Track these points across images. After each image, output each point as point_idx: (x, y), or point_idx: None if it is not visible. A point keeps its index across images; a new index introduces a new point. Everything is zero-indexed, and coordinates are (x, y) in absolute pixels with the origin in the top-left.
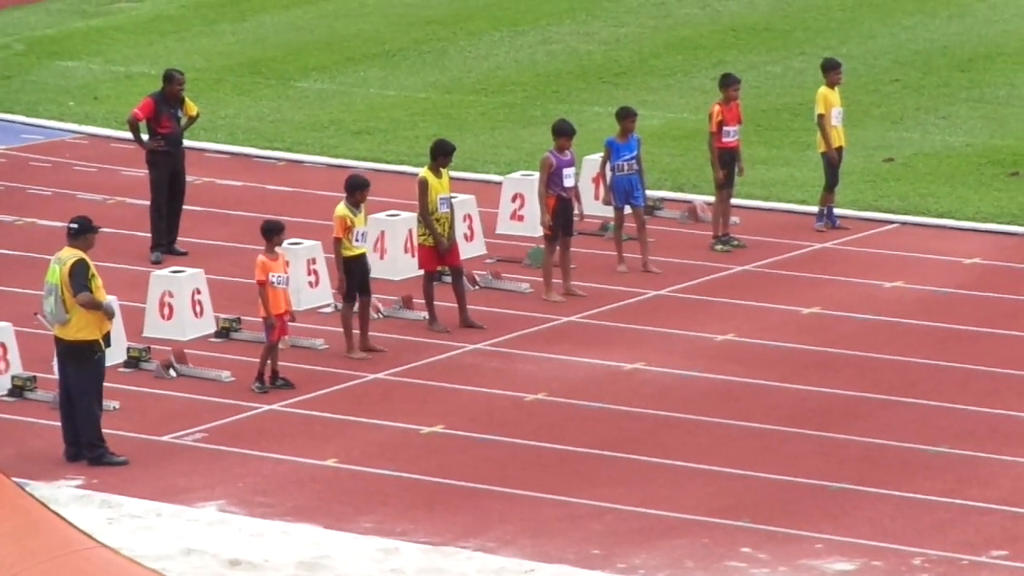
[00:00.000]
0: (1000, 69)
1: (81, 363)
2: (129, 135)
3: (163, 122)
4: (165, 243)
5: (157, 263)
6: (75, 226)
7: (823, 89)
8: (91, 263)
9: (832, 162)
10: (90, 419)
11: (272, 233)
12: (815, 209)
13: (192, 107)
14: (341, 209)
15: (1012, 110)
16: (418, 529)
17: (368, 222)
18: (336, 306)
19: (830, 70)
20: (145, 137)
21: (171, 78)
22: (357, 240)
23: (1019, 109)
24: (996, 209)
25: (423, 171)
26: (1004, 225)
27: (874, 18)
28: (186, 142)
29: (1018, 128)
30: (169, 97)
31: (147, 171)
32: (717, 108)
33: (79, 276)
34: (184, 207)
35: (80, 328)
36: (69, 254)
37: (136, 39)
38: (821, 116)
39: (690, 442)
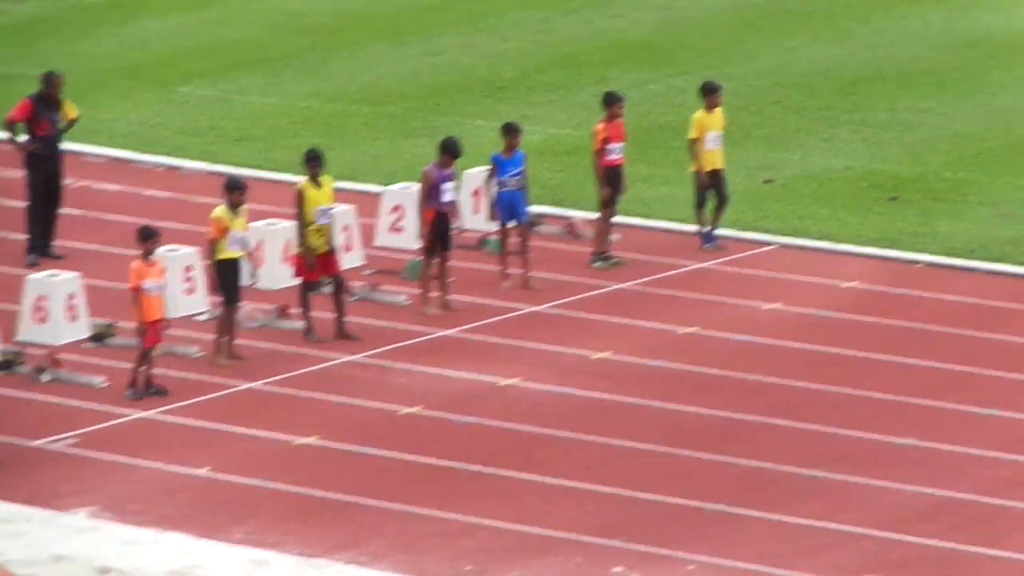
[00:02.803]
0: (882, 93)
1: None
2: (5, 136)
3: (41, 124)
4: (41, 246)
5: (33, 266)
6: None
7: (699, 113)
8: None
9: (701, 184)
10: None
11: (147, 239)
12: (694, 228)
13: (72, 110)
14: (219, 211)
15: (893, 134)
16: (290, 541)
17: (249, 229)
18: (212, 313)
19: (708, 93)
20: (23, 138)
21: (49, 80)
22: (232, 244)
23: (900, 133)
24: (875, 233)
25: (302, 181)
26: (883, 249)
27: (757, 39)
28: (65, 145)
29: (899, 153)
30: (47, 99)
31: (24, 173)
32: (601, 126)
33: None
34: (61, 211)
35: None
36: None
37: (16, 40)
38: (693, 141)
39: (565, 459)
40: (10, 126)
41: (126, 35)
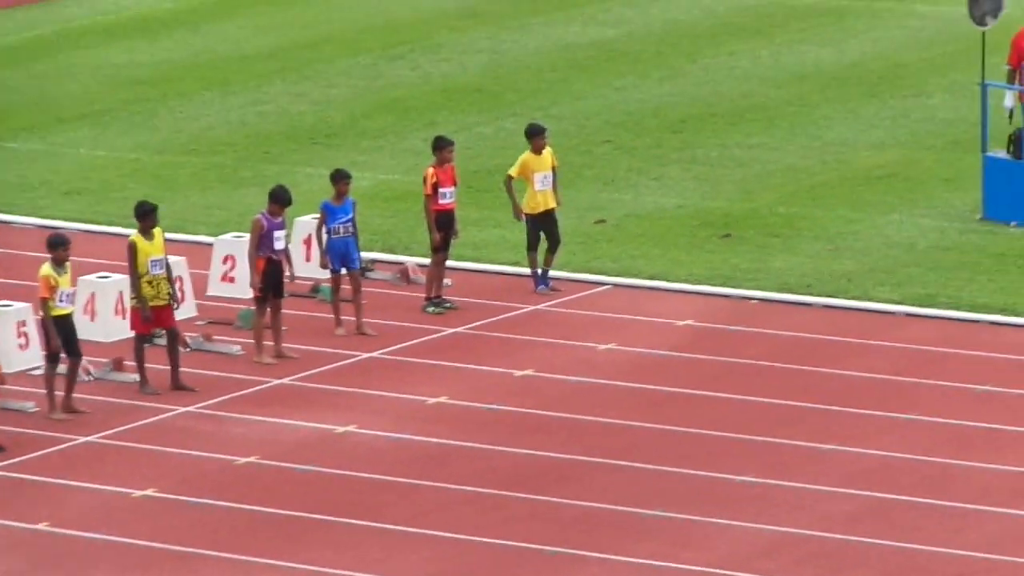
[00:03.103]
0: (712, 130)
1: None
2: None
3: None
4: None
5: None
6: None
7: (526, 155)
8: None
9: (532, 223)
10: None
11: None
12: (528, 271)
13: None
14: (45, 269)
15: (724, 171)
16: None
17: (78, 283)
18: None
19: (533, 136)
20: None
21: None
22: (61, 300)
23: (731, 170)
24: (708, 271)
25: (133, 234)
26: (716, 287)
27: (584, 79)
28: None
29: (730, 189)
30: None
31: None
32: (431, 171)
33: None
34: None
35: None
36: None
37: None
38: (509, 178)
39: (403, 506)
40: None
41: None
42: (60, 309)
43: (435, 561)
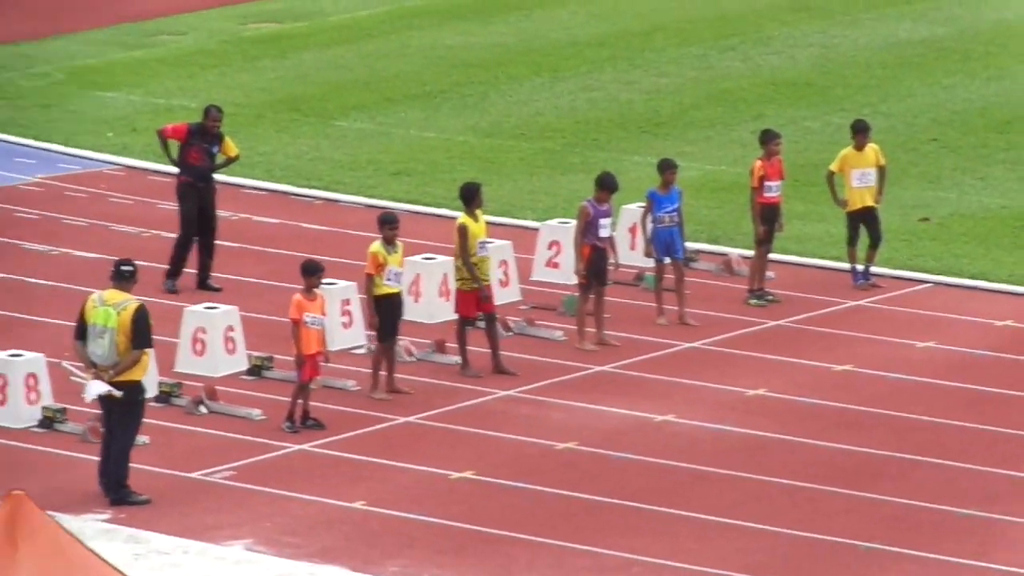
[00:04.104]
0: None
1: (125, 403)
2: (167, 168)
3: (192, 153)
4: (176, 274)
5: (171, 292)
6: (129, 268)
7: (847, 150)
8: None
9: (850, 219)
10: (125, 458)
11: (311, 273)
12: (849, 266)
13: (232, 148)
14: (375, 246)
15: None
16: (445, 574)
17: (405, 264)
18: (369, 348)
19: (857, 132)
20: (175, 165)
21: (207, 113)
22: (389, 279)
23: None
24: None
25: (462, 216)
26: None
27: (914, 77)
28: (223, 177)
29: None
30: (205, 131)
31: (177, 204)
32: (759, 163)
33: (144, 328)
34: (219, 243)
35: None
36: (122, 298)
37: (177, 72)
38: (830, 174)
39: (718, 496)
40: (163, 140)
41: (285, 68)
42: (387, 288)
43: (749, 552)
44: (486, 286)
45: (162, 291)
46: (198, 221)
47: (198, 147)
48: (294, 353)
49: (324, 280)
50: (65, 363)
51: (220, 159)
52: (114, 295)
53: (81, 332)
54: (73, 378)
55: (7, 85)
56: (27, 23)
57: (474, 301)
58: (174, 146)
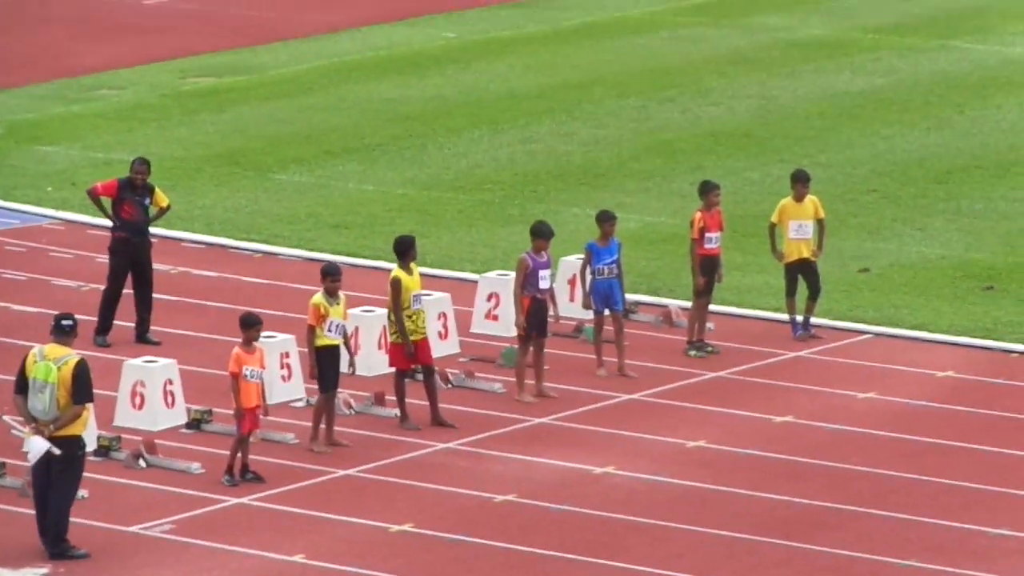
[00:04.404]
0: (977, 182)
1: (65, 458)
2: (106, 222)
3: (125, 207)
4: (108, 330)
5: (102, 347)
6: (69, 323)
7: (785, 200)
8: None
9: (787, 270)
10: (65, 513)
11: (250, 326)
12: (788, 317)
13: (163, 198)
14: (317, 298)
15: (988, 223)
16: None
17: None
18: (308, 400)
19: (796, 182)
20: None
21: (133, 165)
22: (330, 331)
23: (995, 223)
24: (970, 323)
25: (395, 270)
26: (977, 339)
27: (853, 128)
28: (161, 231)
29: (993, 242)
30: (134, 184)
31: (108, 257)
32: (699, 215)
33: (85, 382)
34: (158, 296)
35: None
36: (63, 353)
37: (116, 126)
38: (771, 225)
39: (658, 548)
40: (94, 198)
41: (223, 122)
42: (327, 339)
43: None
44: (418, 341)
45: (110, 347)
46: (135, 275)
47: (130, 200)
48: (233, 406)
49: (263, 333)
50: (5, 416)
51: (152, 211)
52: (55, 350)
53: (22, 386)
54: (13, 432)
55: None
56: None
57: (414, 352)
58: (107, 202)
